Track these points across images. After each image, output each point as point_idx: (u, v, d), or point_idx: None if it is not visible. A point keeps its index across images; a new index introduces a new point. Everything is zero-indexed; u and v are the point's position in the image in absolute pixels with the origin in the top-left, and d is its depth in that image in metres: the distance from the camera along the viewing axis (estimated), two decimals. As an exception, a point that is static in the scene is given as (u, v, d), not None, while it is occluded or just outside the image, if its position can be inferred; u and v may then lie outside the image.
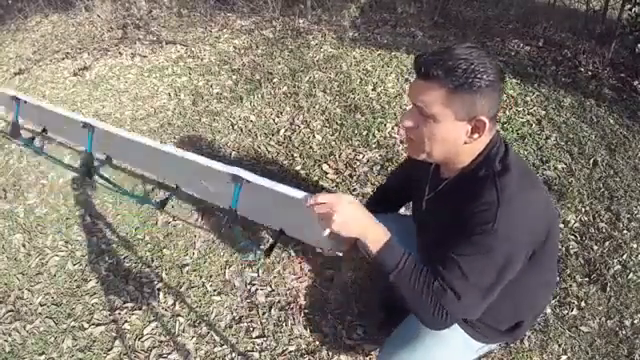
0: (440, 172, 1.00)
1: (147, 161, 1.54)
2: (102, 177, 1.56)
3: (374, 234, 0.86)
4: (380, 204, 1.33)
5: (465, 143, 0.87)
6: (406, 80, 2.73)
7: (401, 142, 2.32)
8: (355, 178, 2.11)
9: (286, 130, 2.44)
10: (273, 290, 1.71)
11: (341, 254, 1.14)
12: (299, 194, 0.94)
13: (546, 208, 0.91)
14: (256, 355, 1.53)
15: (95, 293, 1.73)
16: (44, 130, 1.72)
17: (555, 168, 2.13)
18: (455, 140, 0.86)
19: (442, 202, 0.98)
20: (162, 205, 1.71)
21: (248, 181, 1.07)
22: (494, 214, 0.79)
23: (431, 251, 0.98)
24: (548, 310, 1.61)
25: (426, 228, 1.07)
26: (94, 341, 1.59)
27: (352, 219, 0.84)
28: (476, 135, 0.85)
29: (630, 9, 2.60)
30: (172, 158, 1.31)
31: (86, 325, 1.63)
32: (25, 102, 1.68)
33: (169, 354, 1.54)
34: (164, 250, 1.86)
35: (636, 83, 2.62)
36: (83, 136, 1.44)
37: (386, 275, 0.87)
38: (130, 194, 1.82)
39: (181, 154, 1.21)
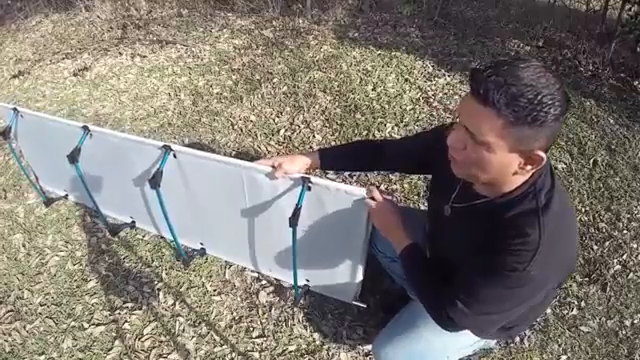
0: (474, 185, 0.91)
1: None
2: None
3: (397, 238, 1.05)
4: (348, 158, 1.29)
5: (515, 173, 0.78)
6: (406, 80, 2.73)
7: (401, 142, 2.32)
8: (355, 178, 2.11)
9: (286, 130, 2.44)
10: (273, 290, 1.71)
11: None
12: (358, 191, 1.14)
13: (574, 248, 0.91)
14: (256, 355, 1.53)
15: (95, 293, 1.73)
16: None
17: (555, 168, 2.13)
18: (505, 170, 0.78)
19: (475, 219, 0.90)
20: (186, 263, 1.79)
21: (311, 182, 1.18)
22: (532, 256, 0.76)
23: (452, 262, 0.98)
24: (548, 310, 1.61)
25: (446, 235, 1.04)
26: (94, 341, 1.59)
27: (382, 224, 1.10)
28: (529, 167, 0.76)
29: (629, 9, 2.60)
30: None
31: (86, 325, 1.63)
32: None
33: (169, 354, 1.54)
34: (164, 250, 1.86)
35: (636, 83, 2.62)
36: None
37: (405, 272, 1.04)
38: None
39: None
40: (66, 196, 2.05)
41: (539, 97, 0.67)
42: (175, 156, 1.35)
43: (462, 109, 0.76)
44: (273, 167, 1.21)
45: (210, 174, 1.36)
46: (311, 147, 2.30)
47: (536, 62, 0.71)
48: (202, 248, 1.74)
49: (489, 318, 0.89)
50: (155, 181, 1.29)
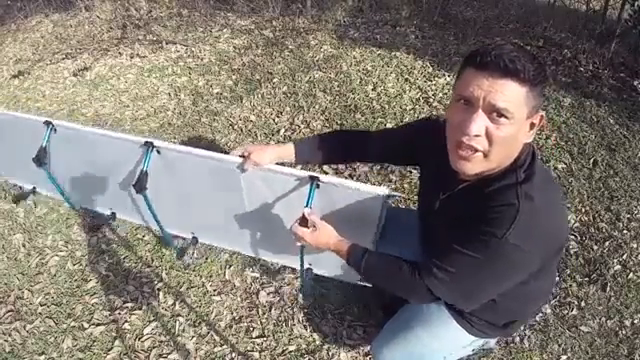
0: (457, 173, 0.91)
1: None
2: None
3: (338, 245, 1.04)
4: (341, 155, 1.28)
5: (521, 142, 0.82)
6: (406, 80, 2.73)
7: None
8: (355, 178, 2.11)
9: (286, 130, 2.43)
10: (273, 290, 1.71)
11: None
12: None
13: (562, 226, 0.89)
14: (256, 355, 1.53)
15: (95, 293, 1.73)
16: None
17: (555, 168, 2.13)
18: (518, 140, 0.81)
19: (456, 205, 0.92)
20: (180, 255, 1.78)
21: (320, 181, 1.17)
22: (510, 223, 0.77)
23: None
24: (548, 310, 1.61)
25: (435, 230, 1.03)
26: (94, 341, 1.59)
27: (319, 244, 1.07)
28: (531, 132, 0.81)
29: (633, 3, 2.60)
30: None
31: (86, 325, 1.63)
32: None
33: (169, 354, 1.54)
34: (164, 250, 1.86)
35: (636, 83, 2.62)
36: None
37: (358, 273, 1.01)
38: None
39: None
40: (34, 190, 1.98)
41: (536, 60, 0.76)
42: (159, 152, 1.33)
43: (480, 89, 0.75)
44: (243, 156, 1.23)
45: (195, 168, 1.36)
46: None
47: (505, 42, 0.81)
48: (194, 237, 1.73)
49: (466, 288, 0.88)
50: (141, 185, 1.25)
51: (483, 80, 0.75)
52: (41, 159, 1.42)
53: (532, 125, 0.81)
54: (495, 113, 0.76)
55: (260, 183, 1.29)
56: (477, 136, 0.77)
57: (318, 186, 1.18)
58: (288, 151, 1.21)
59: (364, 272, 1.00)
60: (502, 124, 0.76)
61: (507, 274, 0.84)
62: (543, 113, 0.81)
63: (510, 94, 0.74)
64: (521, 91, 0.74)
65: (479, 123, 0.76)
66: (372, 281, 1.05)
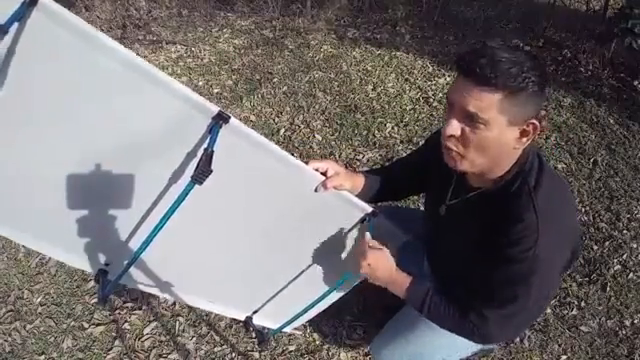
0: (467, 178, 0.93)
1: None
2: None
3: (398, 281, 0.95)
4: (378, 194, 1.18)
5: (514, 149, 0.81)
6: (406, 80, 2.73)
7: (401, 142, 2.32)
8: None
9: (286, 130, 2.43)
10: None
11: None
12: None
13: (575, 225, 0.92)
14: (256, 355, 1.53)
15: (95, 293, 1.73)
16: None
17: (555, 168, 2.13)
18: (503, 147, 0.80)
19: (469, 213, 0.92)
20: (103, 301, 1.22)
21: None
22: (535, 240, 0.77)
23: (454, 264, 0.98)
24: (548, 310, 1.61)
25: (444, 236, 1.03)
26: (94, 341, 1.59)
27: (380, 271, 0.93)
28: (525, 139, 0.80)
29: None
30: None
31: (86, 325, 1.63)
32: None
33: (169, 354, 1.54)
34: (164, 250, 1.86)
35: (636, 83, 2.62)
36: None
37: (420, 312, 0.96)
38: None
39: None
40: None
41: (525, 67, 0.73)
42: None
43: (456, 93, 0.78)
44: (324, 175, 0.95)
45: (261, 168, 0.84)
46: (311, 147, 2.30)
47: (501, 41, 0.78)
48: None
49: (517, 317, 0.89)
50: (203, 173, 0.69)
51: (459, 83, 0.77)
52: None
53: (524, 132, 0.79)
54: (469, 117, 0.77)
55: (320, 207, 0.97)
56: (451, 137, 0.80)
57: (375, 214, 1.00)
58: (358, 182, 1.10)
59: (426, 315, 0.95)
60: (477, 128, 0.77)
61: (545, 282, 0.85)
62: (534, 120, 0.78)
63: (481, 99, 0.74)
64: (493, 97, 0.74)
65: (453, 125, 0.78)
66: (434, 321, 0.97)
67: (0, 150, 0.73)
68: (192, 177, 0.69)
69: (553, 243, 0.80)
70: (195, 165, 0.70)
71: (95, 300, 1.70)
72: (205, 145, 0.71)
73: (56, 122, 0.71)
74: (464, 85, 0.76)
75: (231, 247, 1.01)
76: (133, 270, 0.95)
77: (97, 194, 0.82)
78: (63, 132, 0.72)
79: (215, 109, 0.71)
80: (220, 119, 0.72)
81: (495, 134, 0.77)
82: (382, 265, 0.93)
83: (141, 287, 1.06)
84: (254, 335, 1.35)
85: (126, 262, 0.82)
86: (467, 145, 0.79)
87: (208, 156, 0.70)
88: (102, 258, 0.97)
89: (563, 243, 0.83)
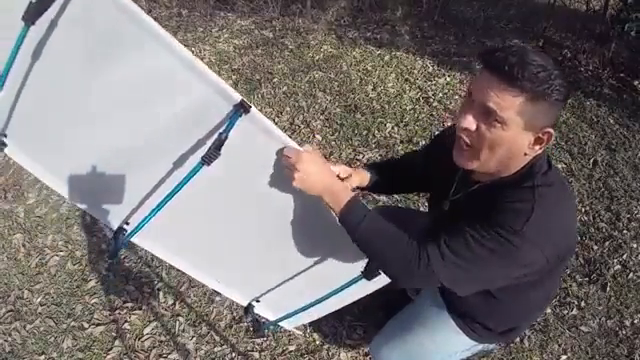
0: (472, 173, 0.91)
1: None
2: None
3: (335, 193, 0.84)
4: (381, 183, 1.15)
5: (525, 155, 0.80)
6: (406, 80, 2.73)
7: (401, 142, 2.32)
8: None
9: (286, 130, 2.43)
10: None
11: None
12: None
13: (572, 230, 0.90)
14: (256, 355, 1.53)
15: (95, 293, 1.73)
16: None
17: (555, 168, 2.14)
18: (516, 150, 0.79)
19: (472, 206, 0.89)
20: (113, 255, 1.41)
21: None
22: (525, 219, 0.76)
23: None
24: (548, 310, 1.61)
25: (446, 230, 0.99)
26: (94, 341, 1.59)
27: (313, 176, 0.82)
28: (538, 147, 0.79)
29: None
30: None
31: (86, 325, 1.63)
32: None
33: (169, 354, 1.54)
34: (164, 250, 1.86)
35: (636, 83, 2.62)
36: None
37: (351, 235, 0.84)
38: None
39: None
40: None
41: (553, 74, 0.72)
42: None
43: (478, 87, 0.77)
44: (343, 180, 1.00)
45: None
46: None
47: (534, 47, 0.77)
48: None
49: (473, 275, 0.82)
50: (211, 156, 0.76)
51: (483, 78, 0.76)
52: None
53: (538, 140, 0.78)
54: (487, 113, 0.76)
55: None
56: (466, 129, 0.79)
57: None
58: (364, 178, 1.10)
59: (362, 233, 0.84)
60: (493, 126, 0.76)
61: (517, 267, 0.82)
62: (550, 130, 0.77)
63: (502, 98, 0.73)
64: (515, 99, 0.73)
65: (469, 118, 0.78)
66: (366, 248, 0.86)
67: (70, 99, 0.85)
68: (202, 157, 0.75)
69: (544, 232, 0.78)
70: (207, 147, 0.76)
71: (95, 300, 1.70)
72: (221, 130, 0.76)
73: (104, 93, 0.82)
74: (489, 81, 0.75)
75: (244, 232, 1.03)
76: (150, 233, 0.97)
77: (125, 159, 0.92)
78: (106, 101, 0.83)
79: (238, 97, 0.74)
80: (241, 107, 0.75)
81: (510, 135, 0.76)
82: (314, 168, 0.82)
83: (154, 251, 1.09)
84: (250, 322, 1.34)
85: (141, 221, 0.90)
86: (480, 142, 0.79)
87: (221, 141, 0.74)
88: (122, 217, 1.05)
89: (555, 238, 0.81)
